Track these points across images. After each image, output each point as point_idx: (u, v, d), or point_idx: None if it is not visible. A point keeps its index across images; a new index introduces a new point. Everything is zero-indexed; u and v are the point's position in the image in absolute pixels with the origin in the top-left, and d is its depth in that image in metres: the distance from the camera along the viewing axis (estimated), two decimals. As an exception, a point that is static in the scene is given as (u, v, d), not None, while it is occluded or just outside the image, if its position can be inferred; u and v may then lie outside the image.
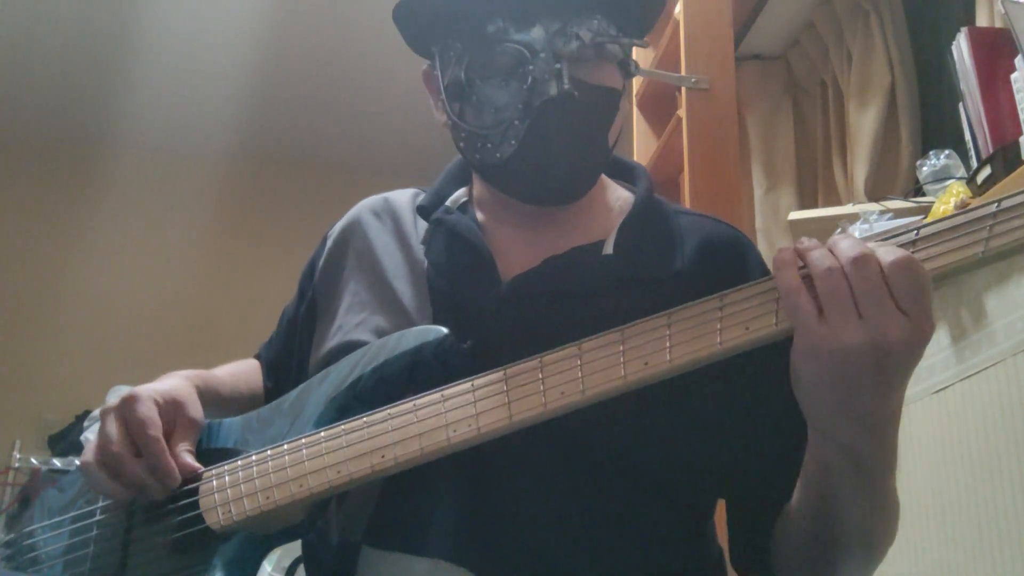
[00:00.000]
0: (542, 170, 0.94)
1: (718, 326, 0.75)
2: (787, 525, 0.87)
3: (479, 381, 0.82)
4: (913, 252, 0.71)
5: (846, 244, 0.71)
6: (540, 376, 0.80)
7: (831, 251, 0.71)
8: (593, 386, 0.78)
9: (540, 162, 0.93)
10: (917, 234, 0.71)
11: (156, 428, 0.91)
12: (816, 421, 0.75)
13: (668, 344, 0.76)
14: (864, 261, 0.69)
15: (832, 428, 0.74)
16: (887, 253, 0.70)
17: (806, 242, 0.73)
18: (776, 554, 0.90)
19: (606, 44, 0.93)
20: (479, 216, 1.03)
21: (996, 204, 0.69)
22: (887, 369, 0.69)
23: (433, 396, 0.83)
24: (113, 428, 0.92)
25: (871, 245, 0.71)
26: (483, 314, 0.93)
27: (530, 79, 0.90)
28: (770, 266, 0.75)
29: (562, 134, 0.92)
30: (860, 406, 0.71)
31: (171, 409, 0.94)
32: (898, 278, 0.69)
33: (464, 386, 0.82)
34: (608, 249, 0.96)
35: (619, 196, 1.05)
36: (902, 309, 0.69)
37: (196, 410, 0.96)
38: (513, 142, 0.92)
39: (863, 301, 0.69)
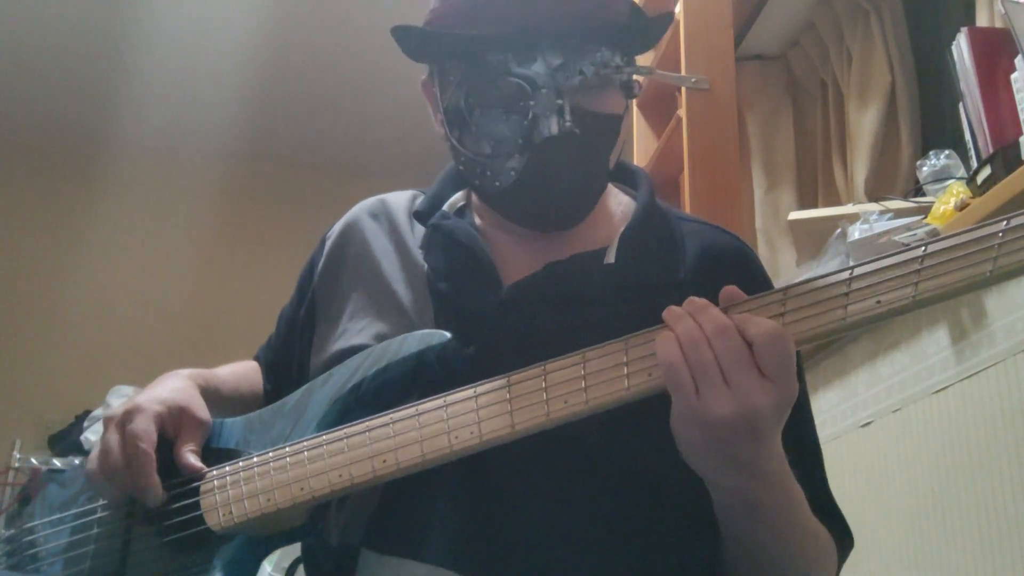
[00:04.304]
0: (542, 200, 0.94)
1: None
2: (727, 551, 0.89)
3: (482, 388, 0.82)
4: (920, 269, 0.70)
5: (706, 317, 0.74)
6: (543, 385, 0.79)
7: (696, 319, 0.74)
8: (596, 396, 0.78)
9: (540, 193, 0.93)
10: (925, 250, 0.70)
11: (147, 442, 0.90)
12: (703, 474, 0.79)
13: None
14: (724, 333, 0.73)
15: (717, 480, 0.79)
16: (751, 325, 0.73)
17: (676, 311, 0.76)
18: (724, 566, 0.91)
19: (610, 75, 0.92)
20: (477, 221, 1.03)
21: (1005, 222, 0.68)
22: (758, 431, 0.73)
23: (436, 402, 0.83)
24: (113, 439, 0.92)
25: (736, 317, 0.74)
26: (484, 319, 0.93)
27: (531, 114, 0.89)
28: (770, 271, 0.76)
29: (562, 168, 0.92)
30: (738, 461, 0.75)
31: (175, 414, 0.94)
32: (764, 349, 0.72)
33: (467, 393, 0.82)
34: (610, 258, 0.96)
35: (621, 202, 1.05)
36: (767, 376, 0.72)
37: (202, 411, 0.96)
38: (512, 174, 0.92)
39: (728, 371, 0.72)
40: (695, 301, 0.76)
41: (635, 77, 0.95)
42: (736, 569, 0.88)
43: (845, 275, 0.73)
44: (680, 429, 0.75)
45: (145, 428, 0.91)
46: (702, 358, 0.72)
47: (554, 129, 0.89)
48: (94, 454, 0.93)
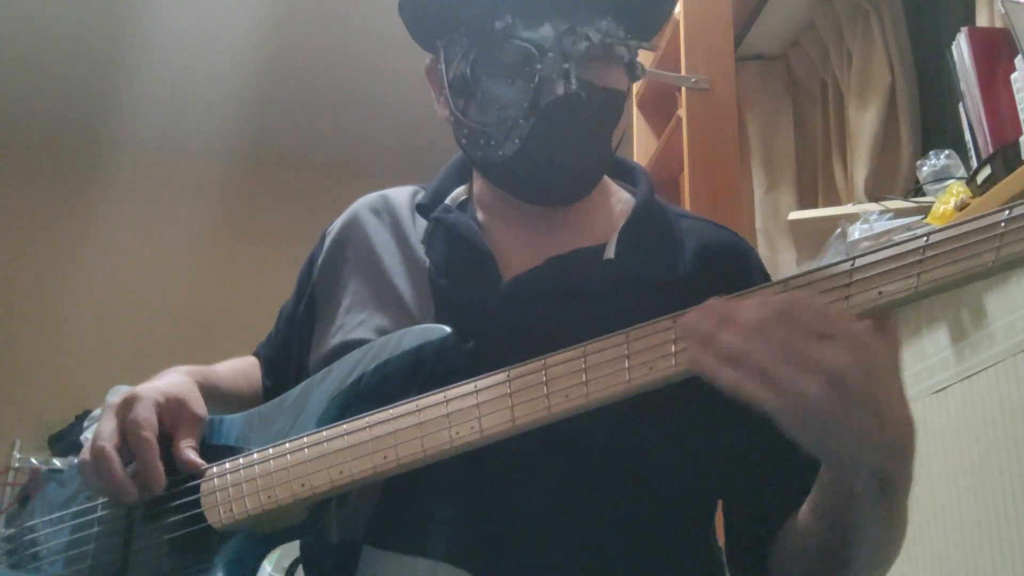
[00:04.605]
0: (544, 170, 0.94)
1: None
2: (793, 537, 0.86)
3: (482, 383, 0.82)
4: (922, 260, 0.69)
5: (731, 330, 0.68)
6: (544, 379, 0.79)
7: (725, 332, 0.68)
8: (597, 390, 0.77)
9: (543, 162, 0.93)
10: (927, 240, 0.70)
11: (150, 430, 0.90)
12: (841, 465, 0.73)
13: (673, 349, 0.76)
14: (759, 329, 0.66)
15: (858, 462, 0.70)
16: (765, 307, 0.67)
17: (702, 325, 0.70)
18: (777, 560, 0.89)
19: (614, 46, 0.93)
20: (479, 215, 1.03)
21: (1008, 211, 0.67)
22: (857, 391, 0.65)
23: (436, 397, 0.83)
24: (108, 426, 0.91)
25: (745, 307, 0.68)
26: (484, 313, 0.93)
27: (537, 78, 0.90)
28: (770, 271, 0.75)
29: (566, 135, 0.92)
30: (866, 438, 0.67)
31: (173, 407, 0.94)
32: (796, 318, 0.66)
33: (467, 387, 0.82)
34: (609, 253, 0.96)
35: (620, 198, 1.05)
36: (828, 336, 0.66)
37: (199, 406, 0.96)
38: (516, 140, 0.92)
39: (787, 353, 0.66)
40: (709, 314, 0.69)
41: (640, 51, 0.96)
42: (805, 550, 0.84)
43: (847, 266, 0.72)
44: (790, 431, 0.68)
45: (147, 416, 0.91)
46: (755, 362, 0.66)
47: (560, 91, 0.90)
48: (88, 443, 0.93)
